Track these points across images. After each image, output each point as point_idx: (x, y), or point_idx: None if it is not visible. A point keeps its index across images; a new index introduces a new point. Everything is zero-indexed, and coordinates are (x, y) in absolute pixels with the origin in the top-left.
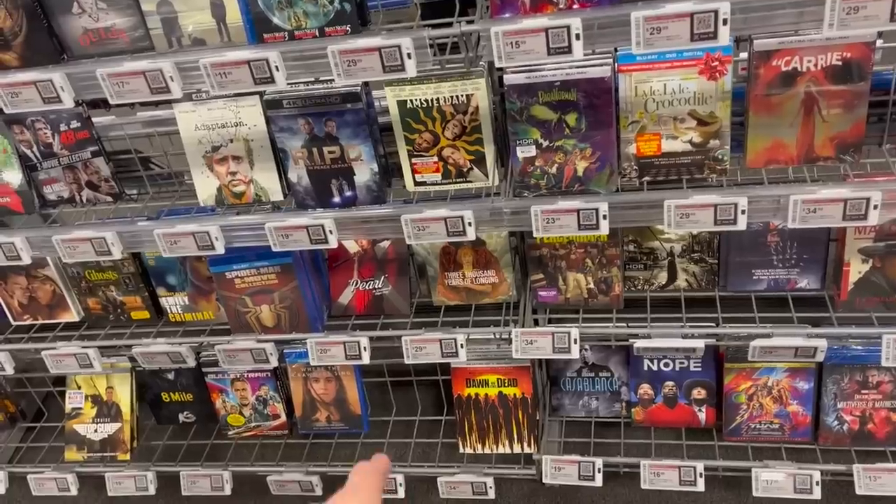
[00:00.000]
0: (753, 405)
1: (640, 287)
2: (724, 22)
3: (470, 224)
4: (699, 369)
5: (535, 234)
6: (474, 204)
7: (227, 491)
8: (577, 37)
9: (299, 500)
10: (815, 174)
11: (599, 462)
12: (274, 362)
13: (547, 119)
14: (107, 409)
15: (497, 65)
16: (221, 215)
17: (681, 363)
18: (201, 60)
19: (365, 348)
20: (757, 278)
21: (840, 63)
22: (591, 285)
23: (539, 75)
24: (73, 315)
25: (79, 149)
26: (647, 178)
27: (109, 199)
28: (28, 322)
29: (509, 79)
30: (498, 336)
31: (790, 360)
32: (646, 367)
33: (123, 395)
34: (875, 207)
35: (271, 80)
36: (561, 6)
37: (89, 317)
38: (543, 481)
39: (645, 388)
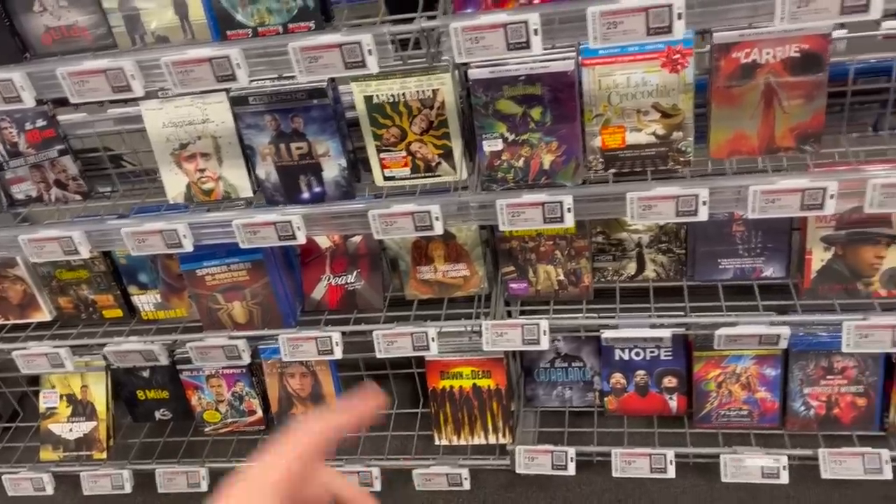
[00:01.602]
0: (723, 392)
1: (609, 278)
2: (679, 16)
3: (437, 219)
4: (669, 358)
5: (500, 228)
6: (441, 198)
7: (204, 487)
8: (536, 32)
9: None
10: (783, 164)
11: (572, 451)
12: (246, 359)
13: (512, 113)
14: (82, 408)
15: (457, 60)
16: (189, 213)
17: (651, 352)
18: (162, 59)
19: (337, 343)
20: (723, 267)
21: (798, 54)
22: (561, 277)
23: (504, 70)
24: (44, 314)
25: (45, 147)
26: (612, 171)
27: (78, 197)
28: None
29: (474, 73)
30: (469, 329)
31: (756, 347)
32: (617, 357)
33: (98, 393)
34: (832, 197)
35: (233, 78)
36: (522, 1)
37: (61, 316)
38: (517, 471)
39: (617, 378)
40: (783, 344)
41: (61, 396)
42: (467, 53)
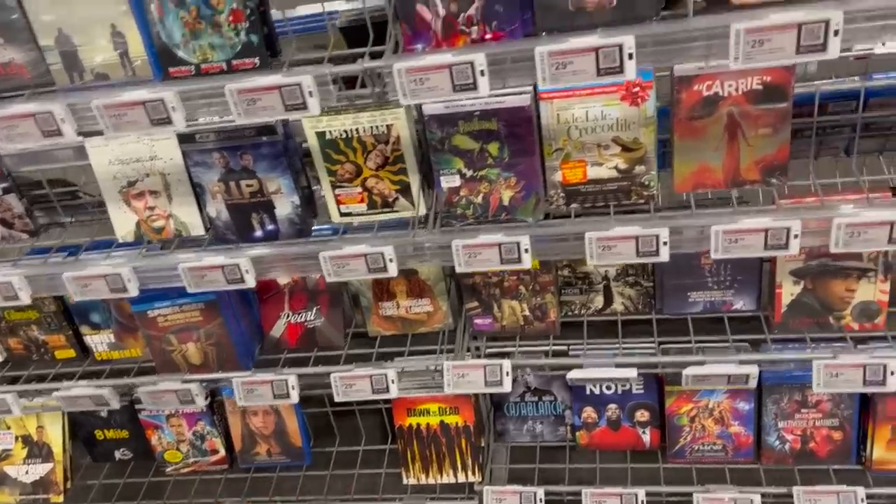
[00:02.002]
0: (696, 427)
1: (577, 311)
2: (630, 56)
3: (391, 261)
4: (641, 391)
5: (457, 269)
6: (395, 239)
7: None
8: (483, 73)
9: None
10: (757, 196)
11: (541, 492)
12: (201, 403)
13: (469, 149)
14: (38, 450)
15: (402, 102)
16: (134, 257)
17: (623, 386)
18: (93, 102)
19: (293, 387)
20: (693, 301)
21: (760, 87)
22: (527, 312)
23: (459, 105)
24: None
25: None
26: (574, 206)
27: (25, 236)
28: None
29: (428, 109)
30: (431, 369)
31: (726, 385)
32: (588, 391)
33: (55, 434)
34: (796, 237)
35: (169, 122)
36: (473, 36)
37: (12, 357)
38: None
39: (588, 412)
40: (752, 383)
41: (17, 437)
42: (412, 95)
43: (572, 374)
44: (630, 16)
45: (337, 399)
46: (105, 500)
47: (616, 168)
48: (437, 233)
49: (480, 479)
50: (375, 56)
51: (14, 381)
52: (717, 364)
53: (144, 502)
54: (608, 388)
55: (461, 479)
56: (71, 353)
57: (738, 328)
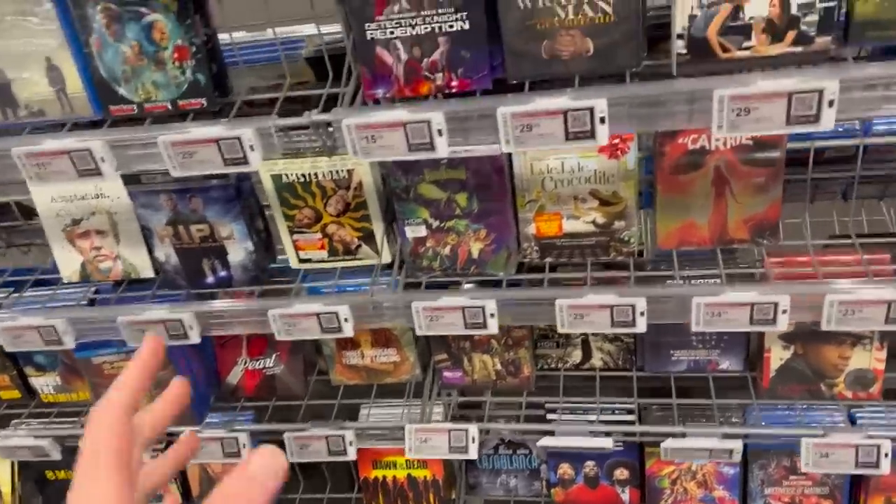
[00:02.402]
0: (678, 489)
1: (553, 365)
2: (602, 121)
3: (346, 320)
4: (621, 448)
5: (417, 332)
6: (351, 298)
7: None
8: (440, 133)
9: None
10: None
11: None
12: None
13: (435, 198)
14: None
15: (353, 159)
16: (70, 308)
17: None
18: (13, 150)
19: (244, 445)
20: (676, 359)
21: (751, 142)
22: (499, 367)
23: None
24: None
25: None
26: (549, 260)
27: None
28: None
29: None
30: (391, 429)
31: (707, 460)
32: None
33: (3, 475)
34: (784, 312)
35: (97, 173)
36: (438, 82)
37: None
38: None
39: (564, 468)
40: (736, 458)
41: None
42: (363, 153)
43: (543, 442)
44: (609, 66)
45: (291, 460)
46: None
47: (594, 222)
48: (397, 292)
49: None
50: (331, 100)
51: None
52: (699, 438)
53: None
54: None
55: None
56: (16, 393)
57: (724, 389)
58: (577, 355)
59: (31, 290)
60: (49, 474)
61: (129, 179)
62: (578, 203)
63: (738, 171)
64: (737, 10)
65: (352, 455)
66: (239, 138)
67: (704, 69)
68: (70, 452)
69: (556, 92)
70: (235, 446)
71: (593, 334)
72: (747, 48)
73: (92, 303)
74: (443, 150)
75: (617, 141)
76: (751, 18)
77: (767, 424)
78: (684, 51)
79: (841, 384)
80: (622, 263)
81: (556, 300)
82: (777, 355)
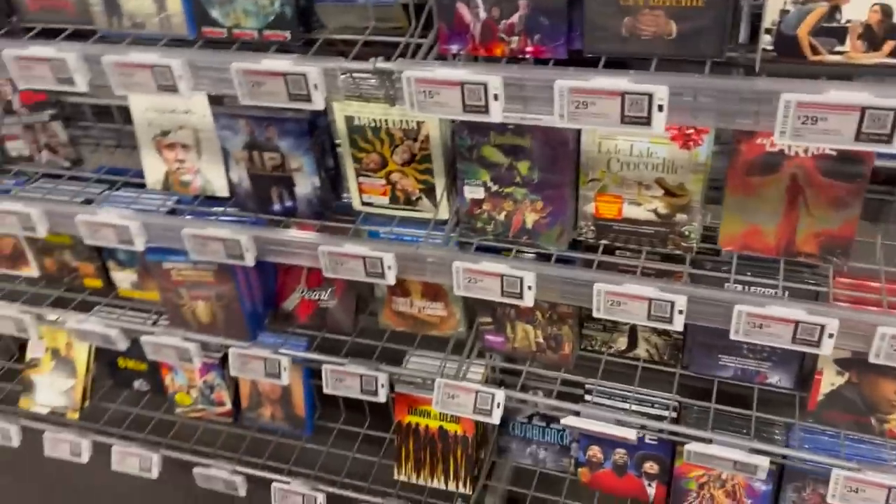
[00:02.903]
0: (704, 495)
1: (597, 348)
2: (661, 108)
3: (389, 268)
4: (654, 443)
5: (455, 291)
6: (397, 247)
7: (154, 475)
8: (496, 98)
9: (218, 498)
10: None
11: None
12: (198, 363)
13: (497, 162)
14: (63, 365)
15: (409, 112)
16: (146, 213)
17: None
18: (103, 58)
19: (285, 368)
20: (723, 364)
21: (834, 153)
22: (541, 339)
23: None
24: (32, 270)
25: (37, 110)
26: (604, 242)
27: (67, 164)
28: None
29: None
30: (424, 379)
31: (732, 471)
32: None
33: (81, 354)
34: (830, 336)
35: (174, 89)
36: (513, 46)
37: (45, 276)
38: None
39: (594, 451)
40: (761, 475)
41: (47, 349)
42: (419, 107)
43: (567, 421)
44: (690, 52)
45: (326, 391)
46: (116, 426)
47: (655, 211)
48: (441, 249)
49: (472, 491)
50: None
51: (42, 298)
52: (725, 447)
53: (150, 436)
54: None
55: (451, 487)
56: (98, 283)
57: (768, 404)
58: (622, 342)
59: (123, 190)
60: (120, 362)
61: (215, 100)
62: (642, 189)
63: (815, 182)
64: (833, 10)
65: (382, 398)
66: (305, 76)
67: (790, 70)
68: (137, 345)
69: (618, 72)
70: (277, 368)
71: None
72: (839, 53)
73: (172, 212)
74: (497, 114)
75: (691, 132)
76: (847, 22)
77: (807, 448)
78: (771, 47)
79: (893, 421)
80: (679, 257)
81: (594, 284)
82: (829, 379)
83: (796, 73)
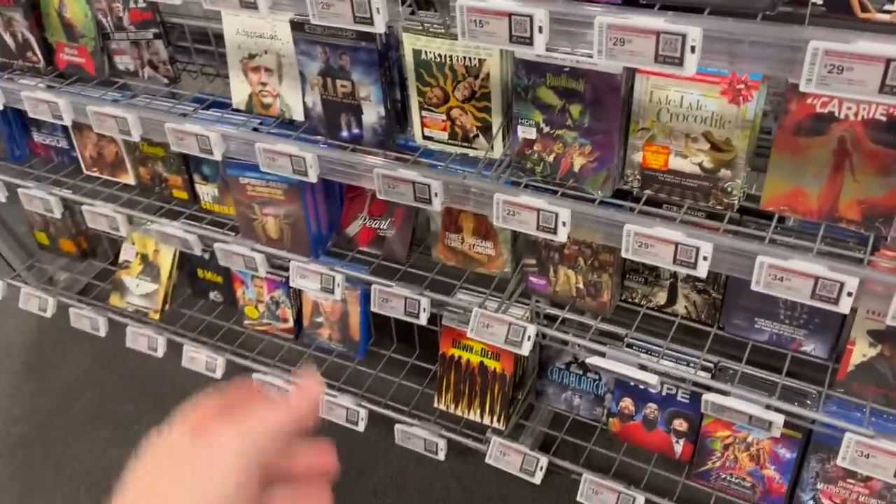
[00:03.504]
0: (728, 455)
1: (636, 300)
2: (693, 49)
3: (436, 195)
4: (685, 401)
5: (494, 223)
6: (444, 177)
7: (218, 374)
8: (541, 30)
9: None
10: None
11: (544, 461)
12: (262, 272)
13: (551, 104)
14: (150, 269)
15: (459, 40)
16: (222, 125)
17: (669, 389)
18: None
19: (339, 284)
20: (759, 328)
21: (885, 118)
22: (581, 285)
23: (551, 56)
24: (130, 178)
25: (143, 28)
26: (648, 192)
27: (166, 80)
28: (95, 174)
29: (521, 52)
30: (464, 310)
31: (748, 426)
32: (632, 382)
33: (166, 261)
34: (849, 294)
35: (254, 6)
36: None
37: (140, 184)
38: (486, 461)
39: (627, 403)
40: (775, 432)
41: (137, 253)
42: (470, 35)
43: (591, 360)
44: (742, 4)
45: (373, 309)
46: (190, 330)
47: (700, 165)
48: (485, 182)
49: (504, 427)
50: None
51: (135, 205)
52: (741, 400)
53: (220, 343)
54: (655, 389)
55: (486, 421)
56: (184, 195)
57: (799, 372)
58: (661, 297)
59: (211, 109)
60: (199, 272)
61: (296, 26)
62: (689, 142)
63: (864, 147)
64: None
65: (423, 320)
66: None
67: (838, 25)
68: (214, 258)
69: (654, 13)
70: (331, 284)
71: (683, 280)
72: (888, 12)
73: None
74: (540, 46)
75: (741, 87)
76: None
77: (828, 413)
78: (820, 2)
79: None
80: (722, 218)
81: (625, 225)
82: (860, 350)
83: (843, 29)
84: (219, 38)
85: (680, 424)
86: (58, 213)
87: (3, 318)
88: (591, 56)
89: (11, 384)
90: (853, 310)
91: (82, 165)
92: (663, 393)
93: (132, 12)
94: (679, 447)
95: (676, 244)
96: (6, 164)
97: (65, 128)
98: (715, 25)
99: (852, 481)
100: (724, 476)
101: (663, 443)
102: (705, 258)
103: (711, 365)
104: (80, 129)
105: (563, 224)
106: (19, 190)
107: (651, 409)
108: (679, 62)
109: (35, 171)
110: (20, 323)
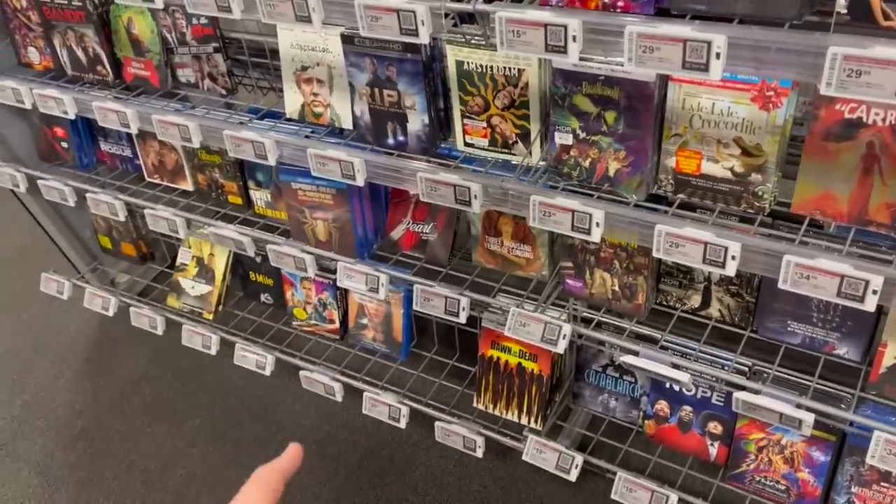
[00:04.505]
0: (762, 458)
1: (671, 303)
2: (718, 56)
3: (476, 197)
4: (720, 404)
5: (530, 224)
6: (484, 179)
7: (268, 372)
8: (574, 39)
9: (319, 399)
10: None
11: (579, 459)
12: (311, 273)
13: (587, 111)
14: (205, 272)
15: (498, 50)
16: (276, 132)
17: (703, 392)
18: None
19: (383, 284)
20: (792, 331)
21: None
22: (616, 288)
23: (586, 65)
24: (188, 184)
25: (204, 43)
26: (681, 196)
27: (223, 92)
28: (156, 181)
29: (557, 62)
30: (502, 310)
31: (778, 424)
32: (667, 384)
33: (220, 263)
34: (874, 292)
35: (308, 20)
36: (606, 0)
37: (198, 190)
38: (523, 458)
39: (662, 405)
40: (806, 431)
41: (193, 257)
42: (508, 45)
43: (624, 358)
44: (770, 12)
45: (415, 307)
46: (242, 330)
47: (731, 170)
48: (523, 184)
49: (541, 428)
50: None
51: (192, 209)
52: (771, 399)
53: (269, 342)
54: (688, 388)
55: (524, 421)
56: (239, 200)
57: (832, 375)
58: (696, 300)
59: (266, 119)
60: (252, 275)
61: (346, 39)
62: (720, 147)
63: (892, 152)
64: None
65: (462, 318)
66: (414, 12)
67: (861, 33)
68: (266, 262)
69: (681, 21)
70: (376, 284)
71: (716, 283)
72: None
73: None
74: (574, 54)
75: (771, 94)
76: None
77: (861, 415)
78: (845, 11)
79: None
80: (753, 221)
81: (656, 225)
82: (892, 352)
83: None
84: (274, 52)
85: (715, 427)
86: (122, 217)
87: (67, 318)
88: (622, 63)
89: (75, 379)
90: (885, 312)
91: (145, 173)
92: (698, 396)
93: (195, 28)
94: (714, 450)
95: (706, 244)
96: (75, 172)
97: (129, 137)
98: (739, 33)
99: (887, 485)
100: (758, 478)
101: (698, 445)
102: (734, 257)
103: (746, 368)
104: (144, 137)
105: (597, 224)
106: (87, 194)
107: (686, 411)
108: (705, 68)
109: (101, 178)
110: (83, 322)
